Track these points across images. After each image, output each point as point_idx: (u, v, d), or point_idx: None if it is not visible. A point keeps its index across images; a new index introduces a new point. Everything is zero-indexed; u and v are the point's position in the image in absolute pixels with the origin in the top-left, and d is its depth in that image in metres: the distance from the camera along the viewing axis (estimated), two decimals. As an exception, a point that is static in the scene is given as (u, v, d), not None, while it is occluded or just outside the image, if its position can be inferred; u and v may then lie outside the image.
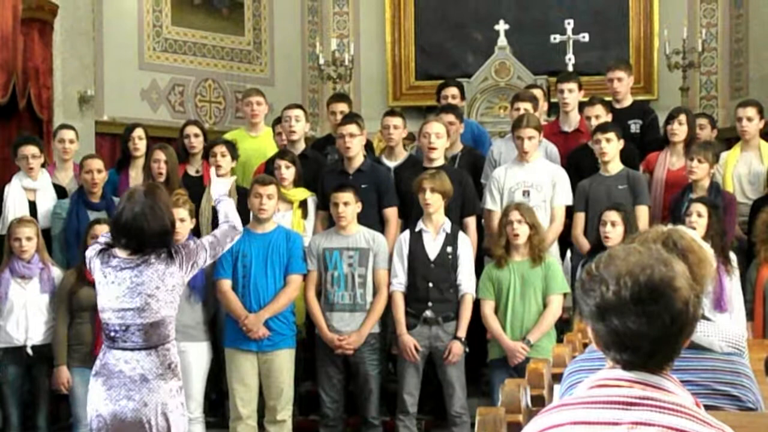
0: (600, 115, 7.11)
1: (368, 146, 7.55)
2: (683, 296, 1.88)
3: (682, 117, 7.08)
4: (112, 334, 4.54)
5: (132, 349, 4.51)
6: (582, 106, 7.50)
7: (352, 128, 6.62)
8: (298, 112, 7.23)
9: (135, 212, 4.48)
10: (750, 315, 6.18)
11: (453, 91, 7.87)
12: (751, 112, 7.14)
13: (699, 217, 6.02)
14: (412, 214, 6.45)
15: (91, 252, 4.69)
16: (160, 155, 6.78)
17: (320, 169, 6.93)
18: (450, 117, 7.08)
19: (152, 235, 4.50)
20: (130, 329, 4.50)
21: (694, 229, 5.07)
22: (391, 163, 6.99)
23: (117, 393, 4.46)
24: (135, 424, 4.44)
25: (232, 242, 5.00)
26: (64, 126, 7.51)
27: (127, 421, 4.44)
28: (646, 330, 1.87)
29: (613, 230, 6.00)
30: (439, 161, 6.62)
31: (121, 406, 4.45)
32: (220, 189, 5.18)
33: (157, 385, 4.48)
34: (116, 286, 4.51)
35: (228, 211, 4.99)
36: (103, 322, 4.62)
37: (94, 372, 4.59)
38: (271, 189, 6.14)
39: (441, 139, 6.61)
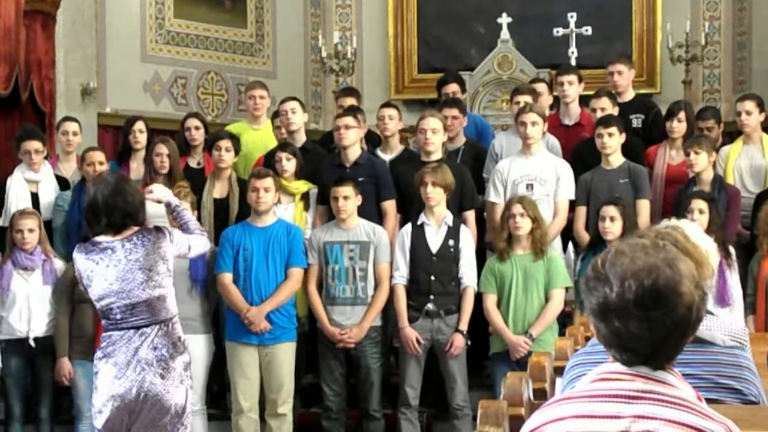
0: (606, 107, 7.09)
1: (373, 139, 7.53)
2: (687, 301, 1.86)
3: (681, 114, 7.05)
4: (119, 316, 4.50)
5: (140, 326, 4.49)
6: (586, 98, 7.48)
7: (347, 120, 6.61)
8: (294, 104, 7.19)
9: (113, 188, 4.54)
10: (752, 308, 6.18)
11: (453, 87, 7.83)
12: (749, 105, 7.12)
13: (700, 214, 6.00)
14: (409, 208, 6.45)
15: (75, 255, 4.68)
16: (162, 149, 6.78)
17: (321, 163, 6.92)
18: (453, 111, 7.07)
19: (133, 208, 4.54)
20: (137, 307, 4.49)
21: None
22: (387, 156, 6.98)
23: (131, 370, 4.45)
24: (151, 399, 4.44)
25: (197, 251, 4.98)
26: (67, 118, 7.51)
27: (147, 396, 4.43)
28: (648, 335, 1.86)
29: (612, 225, 6.00)
30: (436, 155, 6.58)
31: (137, 382, 4.43)
32: (165, 193, 5.07)
33: (172, 358, 4.50)
34: (113, 268, 4.49)
35: (190, 221, 4.94)
36: (104, 310, 4.56)
37: (101, 355, 4.53)
38: (268, 182, 6.13)
39: (437, 135, 6.59)
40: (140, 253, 4.50)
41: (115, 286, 4.49)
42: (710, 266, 2.87)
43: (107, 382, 4.48)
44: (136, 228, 4.57)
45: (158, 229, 4.61)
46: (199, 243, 4.88)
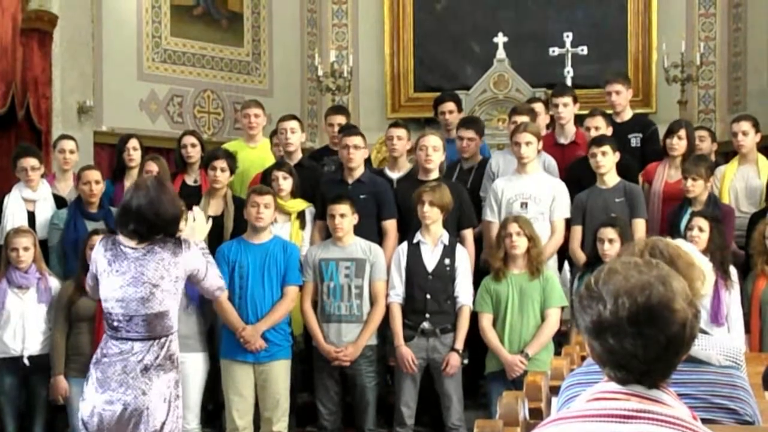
0: (600, 126, 7.12)
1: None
2: (680, 318, 1.87)
3: (682, 132, 7.07)
4: (115, 324, 4.53)
5: (134, 339, 4.50)
6: (581, 117, 7.50)
7: (357, 140, 6.64)
8: (294, 123, 7.22)
9: (150, 197, 4.52)
10: (746, 327, 6.18)
11: (449, 106, 7.86)
12: (745, 126, 7.15)
13: (701, 232, 6.01)
14: (411, 226, 6.44)
15: (97, 244, 4.71)
16: (152, 166, 6.81)
17: (317, 179, 6.92)
18: (470, 132, 7.14)
19: (163, 221, 4.53)
20: (134, 320, 4.50)
21: (695, 244, 5.04)
22: (394, 175, 6.98)
23: (115, 382, 4.45)
24: (131, 413, 4.43)
25: (206, 295, 5.11)
26: (64, 136, 7.51)
27: (125, 411, 4.43)
28: (641, 352, 1.86)
29: (611, 247, 5.99)
30: (434, 174, 6.60)
31: (119, 395, 4.44)
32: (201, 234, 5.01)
33: (157, 375, 4.48)
34: (120, 276, 4.52)
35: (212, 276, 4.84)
36: (105, 312, 4.60)
37: (94, 361, 4.57)
38: (268, 199, 6.14)
39: (437, 153, 6.60)
40: (150, 267, 4.49)
41: (118, 293, 4.53)
42: (701, 270, 2.86)
43: (92, 389, 4.51)
44: (157, 239, 4.55)
45: (179, 241, 4.58)
46: (214, 276, 4.80)
